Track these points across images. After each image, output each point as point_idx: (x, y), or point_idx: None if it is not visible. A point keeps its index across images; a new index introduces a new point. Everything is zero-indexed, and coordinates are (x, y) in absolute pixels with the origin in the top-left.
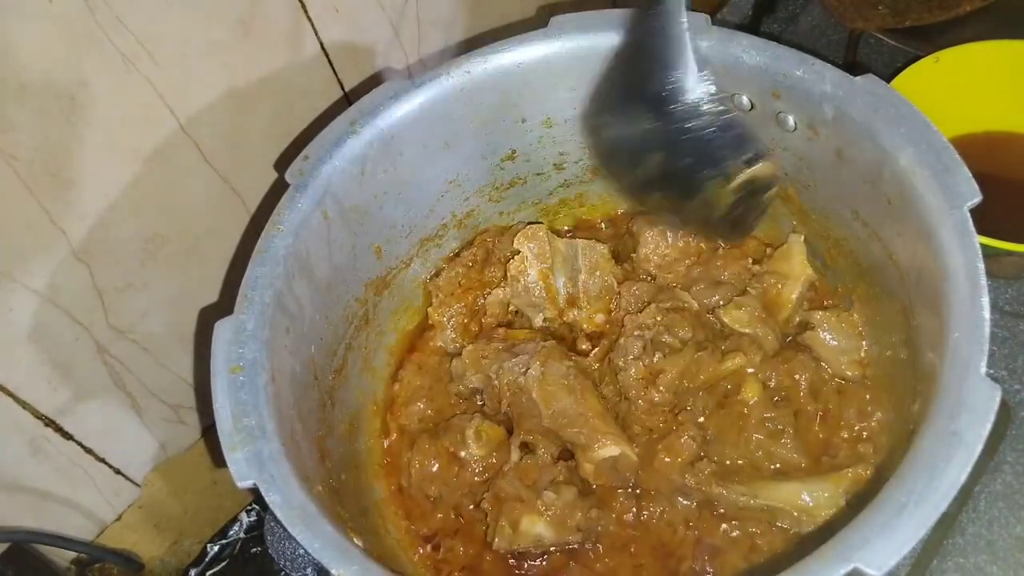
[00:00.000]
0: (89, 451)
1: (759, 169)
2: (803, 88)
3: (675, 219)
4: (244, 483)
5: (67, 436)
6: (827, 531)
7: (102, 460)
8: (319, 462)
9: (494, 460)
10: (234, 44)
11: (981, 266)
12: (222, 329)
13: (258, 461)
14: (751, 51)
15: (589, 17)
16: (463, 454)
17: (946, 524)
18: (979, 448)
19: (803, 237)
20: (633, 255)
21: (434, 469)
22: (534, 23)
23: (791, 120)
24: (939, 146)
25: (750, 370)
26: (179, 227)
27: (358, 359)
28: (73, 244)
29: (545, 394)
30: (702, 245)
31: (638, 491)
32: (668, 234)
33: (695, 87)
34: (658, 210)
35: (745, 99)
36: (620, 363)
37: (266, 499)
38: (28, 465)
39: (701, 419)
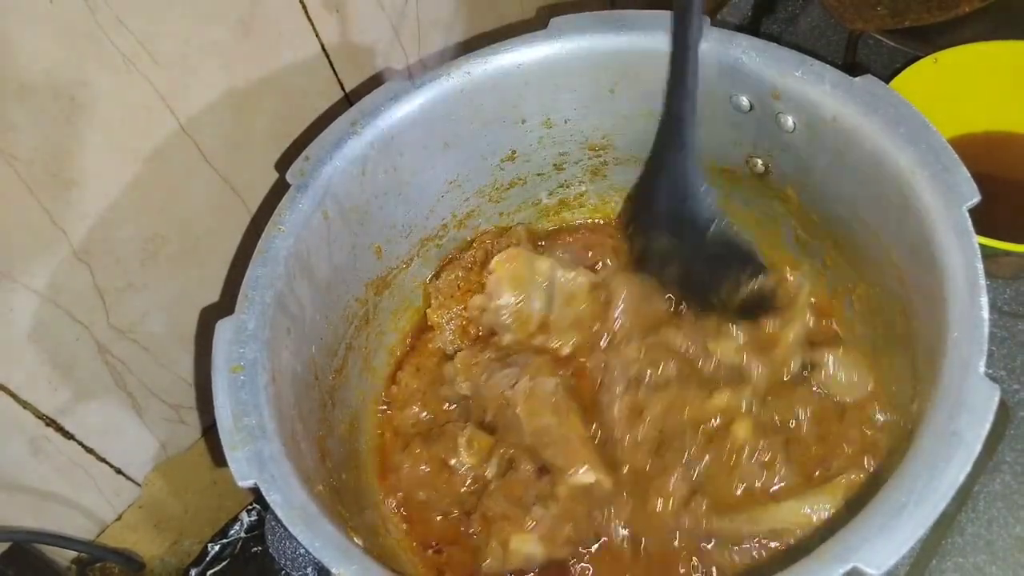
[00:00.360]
0: (90, 451)
1: (763, 283)
2: (802, 89)
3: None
4: (245, 482)
5: (68, 436)
6: (826, 532)
7: (103, 460)
8: (319, 462)
9: (484, 471)
10: (234, 44)
11: (980, 266)
12: (223, 329)
13: (259, 461)
14: (750, 52)
15: (589, 18)
16: (453, 462)
17: (945, 524)
18: (978, 448)
19: (805, 276)
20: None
21: (424, 473)
22: (534, 24)
23: (790, 121)
24: (938, 146)
25: (743, 406)
26: (179, 227)
27: (358, 359)
28: (74, 244)
29: (529, 410)
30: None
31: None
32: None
33: (707, 213)
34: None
35: (744, 100)
36: (604, 399)
37: (267, 498)
38: (29, 465)
39: (688, 457)
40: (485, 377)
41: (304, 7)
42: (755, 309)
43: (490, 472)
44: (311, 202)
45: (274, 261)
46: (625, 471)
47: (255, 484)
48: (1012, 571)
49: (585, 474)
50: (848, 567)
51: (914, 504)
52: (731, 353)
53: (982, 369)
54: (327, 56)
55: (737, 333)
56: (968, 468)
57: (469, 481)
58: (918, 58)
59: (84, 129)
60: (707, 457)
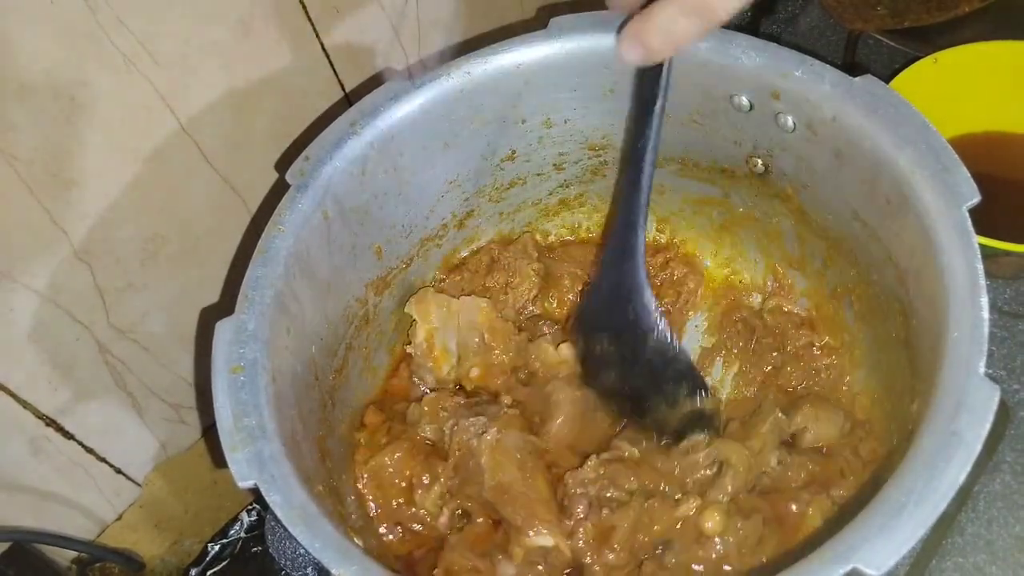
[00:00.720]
0: (90, 451)
1: (702, 403)
2: (802, 89)
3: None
4: (245, 483)
5: (68, 436)
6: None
7: (103, 460)
8: (320, 462)
9: (439, 519)
10: (234, 44)
11: (980, 266)
12: (223, 329)
13: (259, 461)
14: (750, 52)
15: (588, 18)
16: (417, 496)
17: (945, 524)
18: (978, 448)
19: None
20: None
21: (388, 479)
22: (534, 24)
23: (790, 121)
24: (938, 146)
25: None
26: (179, 227)
27: (359, 359)
28: (74, 244)
29: (494, 463)
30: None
31: None
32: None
33: (649, 323)
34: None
35: (744, 100)
36: (568, 524)
37: (266, 499)
38: (29, 465)
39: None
40: (452, 424)
41: (304, 7)
42: (693, 429)
43: (443, 521)
44: (311, 202)
45: (274, 261)
46: None
47: (255, 485)
48: (1012, 571)
49: (543, 537)
50: (848, 567)
51: (914, 504)
52: (702, 445)
53: (982, 369)
54: (327, 56)
55: (702, 437)
56: (968, 468)
57: (423, 524)
58: (918, 58)
59: (84, 129)
60: (684, 558)
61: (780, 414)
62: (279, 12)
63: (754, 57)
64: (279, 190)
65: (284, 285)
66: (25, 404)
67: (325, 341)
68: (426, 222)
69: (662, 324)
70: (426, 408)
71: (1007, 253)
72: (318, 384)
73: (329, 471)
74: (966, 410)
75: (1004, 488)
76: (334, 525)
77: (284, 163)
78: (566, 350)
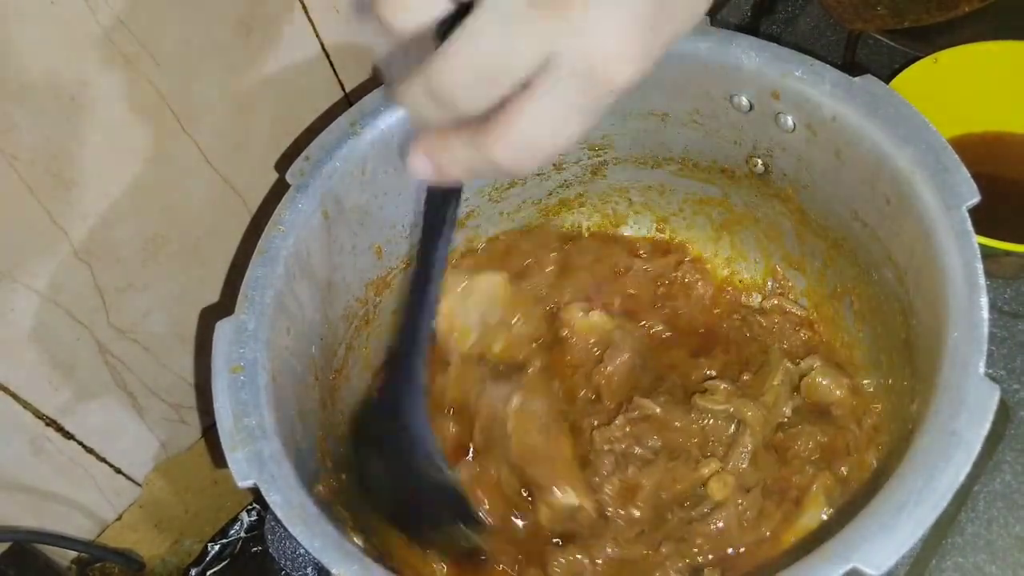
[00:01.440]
0: (90, 451)
1: (471, 531)
2: (802, 89)
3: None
4: (245, 483)
5: (68, 436)
6: (825, 532)
7: (103, 460)
8: (320, 462)
9: None
10: (234, 44)
11: (979, 266)
12: (223, 329)
13: (259, 461)
14: (750, 52)
15: None
16: None
17: (945, 524)
18: (978, 447)
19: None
20: None
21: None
22: None
23: (790, 121)
24: (938, 146)
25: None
26: (180, 227)
27: (358, 359)
28: (74, 244)
29: (520, 427)
30: None
31: None
32: None
33: (425, 455)
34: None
35: (744, 100)
36: (595, 480)
37: (266, 499)
38: (29, 465)
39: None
40: (477, 392)
41: (304, 7)
42: (465, 559)
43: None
44: (311, 202)
45: (274, 261)
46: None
47: (255, 484)
48: (1012, 571)
49: (570, 496)
50: (848, 567)
51: (914, 504)
52: (721, 400)
53: (982, 369)
54: (327, 56)
55: (720, 386)
56: (968, 468)
57: None
58: (918, 58)
59: (84, 129)
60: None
61: (788, 363)
62: (279, 12)
63: (754, 57)
64: (279, 190)
65: (284, 285)
66: (25, 404)
67: (325, 341)
68: None
69: (440, 460)
70: (452, 375)
71: (1007, 253)
72: (318, 384)
73: (329, 471)
74: (966, 410)
75: (1004, 488)
76: (334, 525)
77: (285, 163)
78: (597, 316)
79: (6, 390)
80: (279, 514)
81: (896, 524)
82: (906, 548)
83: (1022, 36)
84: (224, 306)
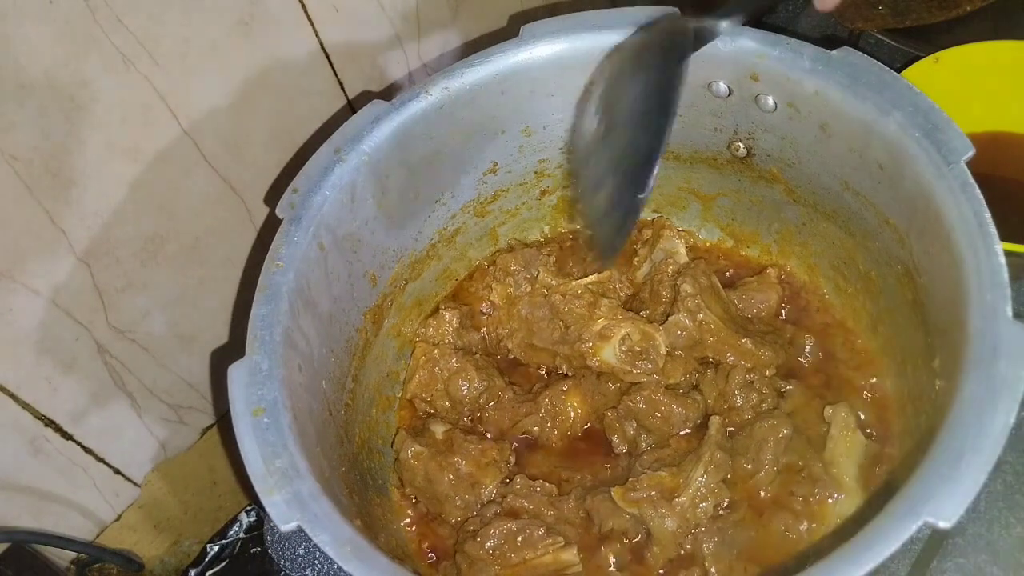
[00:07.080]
0: (89, 451)
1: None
2: (781, 67)
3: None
4: (287, 526)
5: (67, 436)
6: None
7: (102, 460)
8: (348, 496)
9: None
10: (234, 44)
11: (988, 215)
12: (238, 372)
13: (299, 501)
14: (725, 37)
15: (559, 22)
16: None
17: None
18: (1022, 388)
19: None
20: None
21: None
22: (507, 33)
23: (771, 100)
24: (925, 107)
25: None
26: (179, 227)
27: (364, 391)
28: (74, 244)
29: (564, 303)
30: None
31: None
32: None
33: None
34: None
35: (723, 85)
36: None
37: (315, 539)
38: (28, 465)
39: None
40: (525, 310)
41: (304, 7)
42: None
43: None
44: (305, 234)
45: (277, 298)
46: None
47: (298, 527)
48: (1013, 571)
49: (626, 327)
50: (919, 522)
51: (971, 452)
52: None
53: (1009, 312)
54: (327, 56)
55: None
56: (1016, 408)
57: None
58: (919, 58)
59: (84, 129)
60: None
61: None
62: (279, 12)
63: (729, 42)
64: (279, 190)
65: (290, 321)
66: (24, 404)
67: (333, 375)
68: (415, 244)
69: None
70: (499, 301)
71: (1008, 253)
72: (332, 420)
73: (358, 506)
74: (1003, 354)
75: (1005, 488)
76: (384, 554)
77: (273, 196)
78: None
79: (5, 390)
80: (331, 552)
81: (956, 475)
82: (972, 497)
83: (1022, 36)
84: (235, 347)
